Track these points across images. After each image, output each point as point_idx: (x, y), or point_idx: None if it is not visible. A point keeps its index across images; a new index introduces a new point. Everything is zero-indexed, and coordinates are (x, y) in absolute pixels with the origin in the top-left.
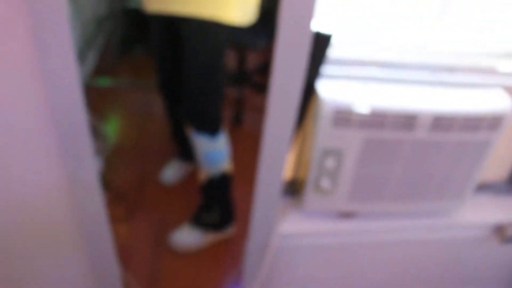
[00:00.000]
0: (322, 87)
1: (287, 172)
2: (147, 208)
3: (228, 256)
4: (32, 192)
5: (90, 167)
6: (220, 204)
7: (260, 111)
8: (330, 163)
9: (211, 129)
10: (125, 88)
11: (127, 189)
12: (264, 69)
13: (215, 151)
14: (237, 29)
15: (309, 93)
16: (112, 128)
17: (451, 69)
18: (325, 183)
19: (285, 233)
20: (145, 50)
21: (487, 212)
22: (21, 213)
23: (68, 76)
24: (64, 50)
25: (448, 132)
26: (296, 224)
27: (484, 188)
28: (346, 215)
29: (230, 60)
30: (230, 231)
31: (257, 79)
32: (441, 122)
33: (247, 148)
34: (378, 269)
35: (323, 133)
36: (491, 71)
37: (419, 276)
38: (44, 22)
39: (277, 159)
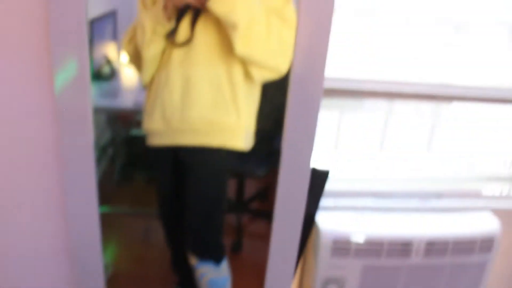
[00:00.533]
0: (321, 218)
1: None
2: None
3: None
4: None
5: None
6: None
7: (259, 238)
8: None
9: (215, 257)
10: (124, 215)
11: None
12: (263, 195)
13: (219, 278)
14: (239, 157)
15: (309, 225)
16: (109, 256)
17: (439, 195)
18: None
19: None
20: (145, 178)
21: None
22: None
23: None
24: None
25: (442, 256)
26: None
27: None
28: None
29: (229, 187)
30: None
31: (256, 206)
32: (435, 247)
33: (247, 276)
34: None
35: (323, 262)
36: (477, 195)
37: None
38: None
39: None
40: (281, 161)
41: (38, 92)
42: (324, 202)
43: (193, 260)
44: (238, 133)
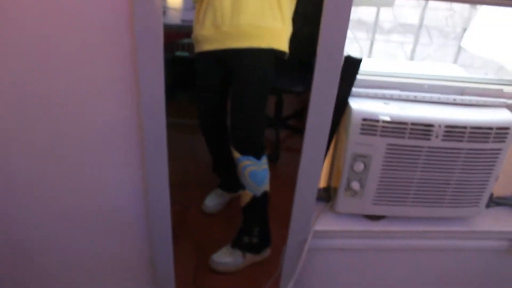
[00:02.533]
0: (353, 102)
1: (322, 181)
2: (190, 232)
3: (264, 275)
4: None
5: (164, 170)
6: (260, 225)
7: (294, 152)
8: (359, 167)
9: (256, 153)
10: (170, 129)
11: (172, 215)
12: (300, 114)
13: (259, 170)
14: (279, 73)
15: (341, 108)
16: None
17: (462, 92)
18: (355, 185)
19: (319, 232)
20: (188, 97)
21: (506, 223)
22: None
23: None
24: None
25: (460, 140)
26: (329, 225)
27: (502, 202)
28: (374, 219)
29: (269, 104)
30: (266, 254)
31: (293, 123)
32: (453, 131)
33: (281, 187)
34: (399, 275)
35: (353, 140)
36: (498, 95)
37: (436, 285)
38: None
39: (314, 167)
40: (318, 46)
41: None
42: (356, 90)
43: (237, 154)
44: (283, 36)
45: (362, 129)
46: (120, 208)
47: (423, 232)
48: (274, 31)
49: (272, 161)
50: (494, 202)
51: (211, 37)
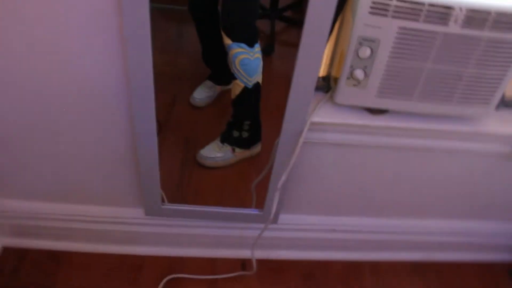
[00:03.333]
0: None
1: (321, 70)
2: (176, 126)
3: (254, 169)
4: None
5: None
6: (251, 119)
7: (291, 46)
8: (364, 52)
9: (249, 40)
10: (157, 15)
11: (157, 107)
12: (299, 4)
13: (251, 59)
14: None
15: None
16: None
17: None
18: (358, 74)
19: (315, 124)
20: None
21: None
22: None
23: None
24: None
25: (481, 28)
26: (326, 117)
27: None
28: (376, 112)
29: None
30: (257, 149)
31: (290, 14)
32: (475, 16)
33: (275, 80)
34: (397, 174)
35: (360, 20)
36: None
37: (440, 191)
38: None
39: (316, 50)
40: None
41: None
42: None
43: (228, 40)
44: None
45: (372, 7)
46: (102, 94)
47: (427, 131)
48: None
49: (266, 53)
50: (505, 103)
51: None
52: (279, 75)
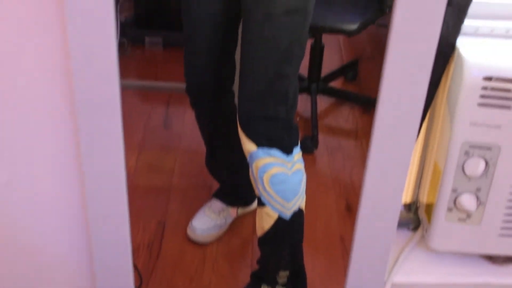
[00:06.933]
0: (463, 46)
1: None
2: (166, 277)
3: None
4: None
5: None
6: (290, 267)
7: (341, 132)
8: (476, 167)
9: (284, 143)
10: (134, 90)
11: (135, 246)
12: (351, 70)
13: (288, 174)
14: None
15: (443, 59)
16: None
17: None
18: (468, 201)
19: (400, 285)
20: (161, 39)
21: None
22: None
23: None
24: None
25: None
26: (419, 273)
27: None
28: (501, 262)
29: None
30: None
31: (337, 85)
32: None
33: (321, 189)
34: None
35: (465, 117)
36: None
37: None
38: None
39: (393, 169)
40: None
41: None
42: (469, 24)
43: (249, 146)
44: None
45: (483, 96)
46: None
47: None
48: None
49: (307, 151)
50: None
51: None
52: (326, 183)
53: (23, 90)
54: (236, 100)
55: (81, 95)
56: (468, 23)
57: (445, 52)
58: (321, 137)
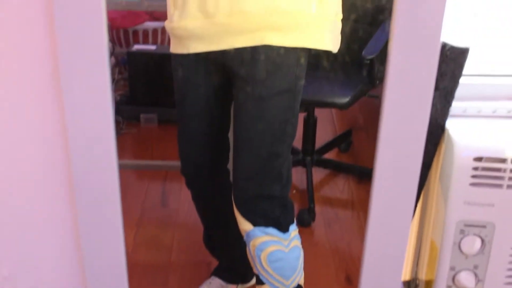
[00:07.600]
0: (453, 128)
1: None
2: None
3: None
4: None
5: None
6: None
7: (337, 203)
8: (472, 245)
9: (280, 220)
10: (130, 170)
11: None
12: (343, 141)
13: (285, 251)
14: (312, 80)
15: (434, 140)
16: None
17: None
18: (466, 279)
19: None
20: (156, 117)
21: None
22: None
23: None
24: None
25: None
26: None
27: None
28: None
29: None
30: None
31: (331, 157)
32: None
33: (320, 262)
34: None
35: (458, 197)
36: None
37: None
38: None
39: (391, 250)
40: (393, 20)
41: None
42: (458, 105)
43: (245, 225)
44: (320, 27)
45: (474, 177)
46: None
47: None
48: (303, 19)
49: (304, 225)
50: None
51: (198, 32)
52: (325, 255)
53: (24, 175)
54: (231, 178)
55: (79, 182)
56: (456, 105)
57: (436, 134)
58: (318, 209)
